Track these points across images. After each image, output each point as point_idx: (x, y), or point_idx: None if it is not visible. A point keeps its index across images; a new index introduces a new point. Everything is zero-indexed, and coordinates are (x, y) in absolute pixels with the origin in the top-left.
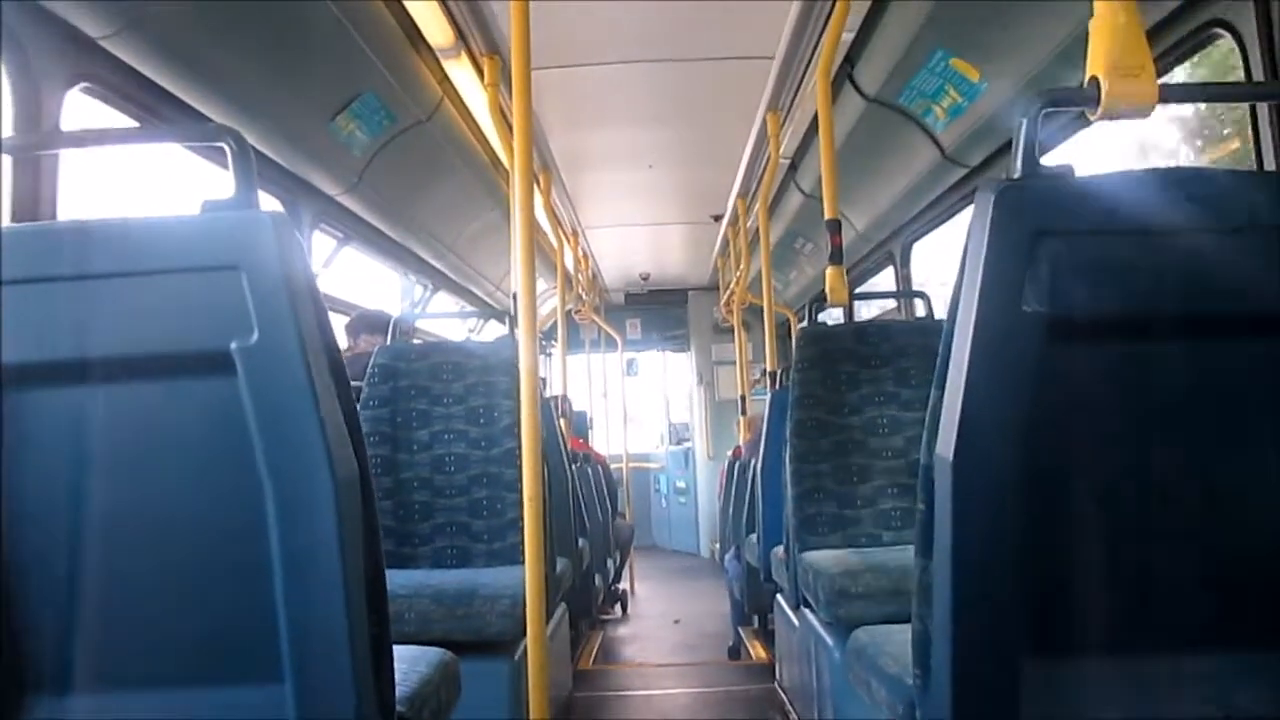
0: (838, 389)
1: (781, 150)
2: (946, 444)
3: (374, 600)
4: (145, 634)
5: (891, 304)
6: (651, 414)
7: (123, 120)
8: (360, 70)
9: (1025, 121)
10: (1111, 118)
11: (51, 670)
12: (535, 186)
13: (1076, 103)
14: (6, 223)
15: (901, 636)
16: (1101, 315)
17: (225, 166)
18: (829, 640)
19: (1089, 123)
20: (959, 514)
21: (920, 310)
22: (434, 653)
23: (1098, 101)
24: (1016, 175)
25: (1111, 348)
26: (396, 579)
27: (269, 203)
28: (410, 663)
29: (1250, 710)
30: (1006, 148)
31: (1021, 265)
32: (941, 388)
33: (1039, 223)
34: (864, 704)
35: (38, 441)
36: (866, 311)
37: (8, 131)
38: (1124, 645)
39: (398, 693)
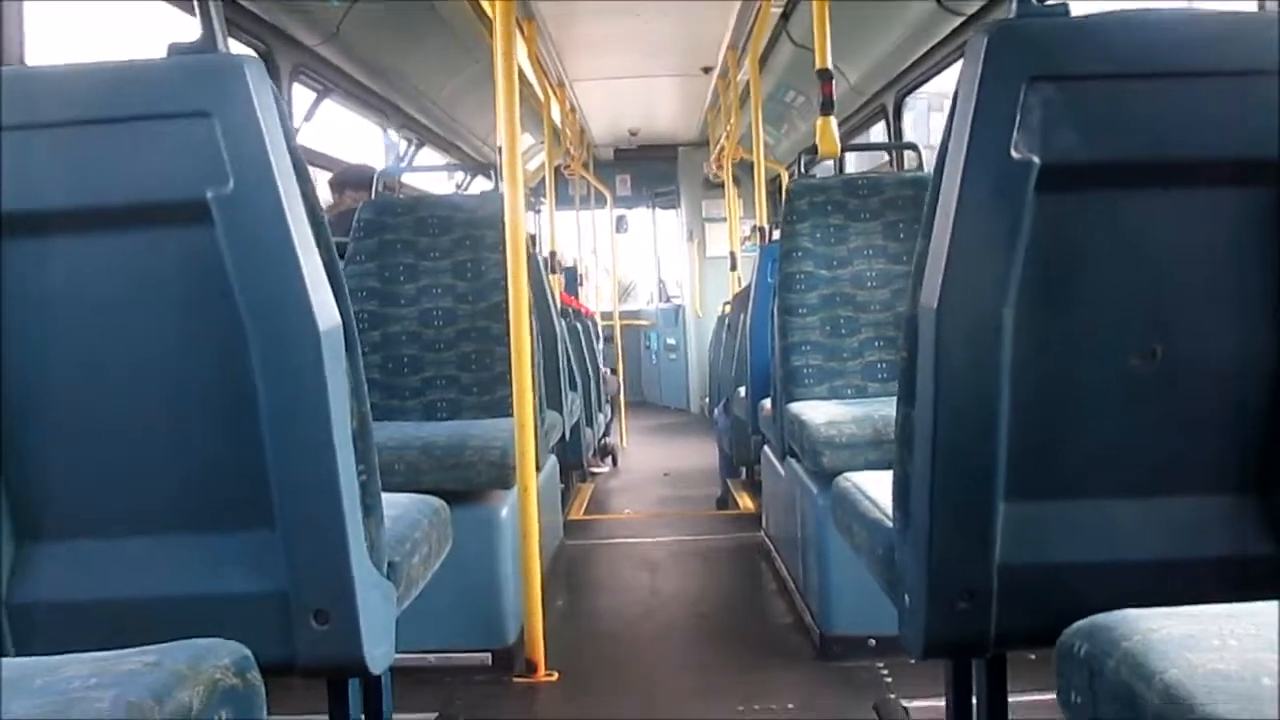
0: (827, 242)
1: None
2: (931, 293)
3: (361, 448)
4: (135, 481)
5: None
6: (642, 271)
7: None
8: None
9: None
10: None
11: (42, 517)
12: (519, 35)
13: None
14: None
15: (883, 482)
16: (1094, 163)
17: (191, 12)
18: (813, 488)
19: None
20: (941, 363)
21: (912, 163)
22: (425, 499)
23: None
24: (1012, 14)
25: (1103, 196)
26: (386, 431)
27: (244, 53)
28: (401, 509)
29: (1214, 550)
30: None
31: (1012, 110)
32: (928, 237)
33: (1032, 66)
34: (845, 547)
35: (15, 292)
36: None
37: None
38: (1096, 489)
39: (388, 538)
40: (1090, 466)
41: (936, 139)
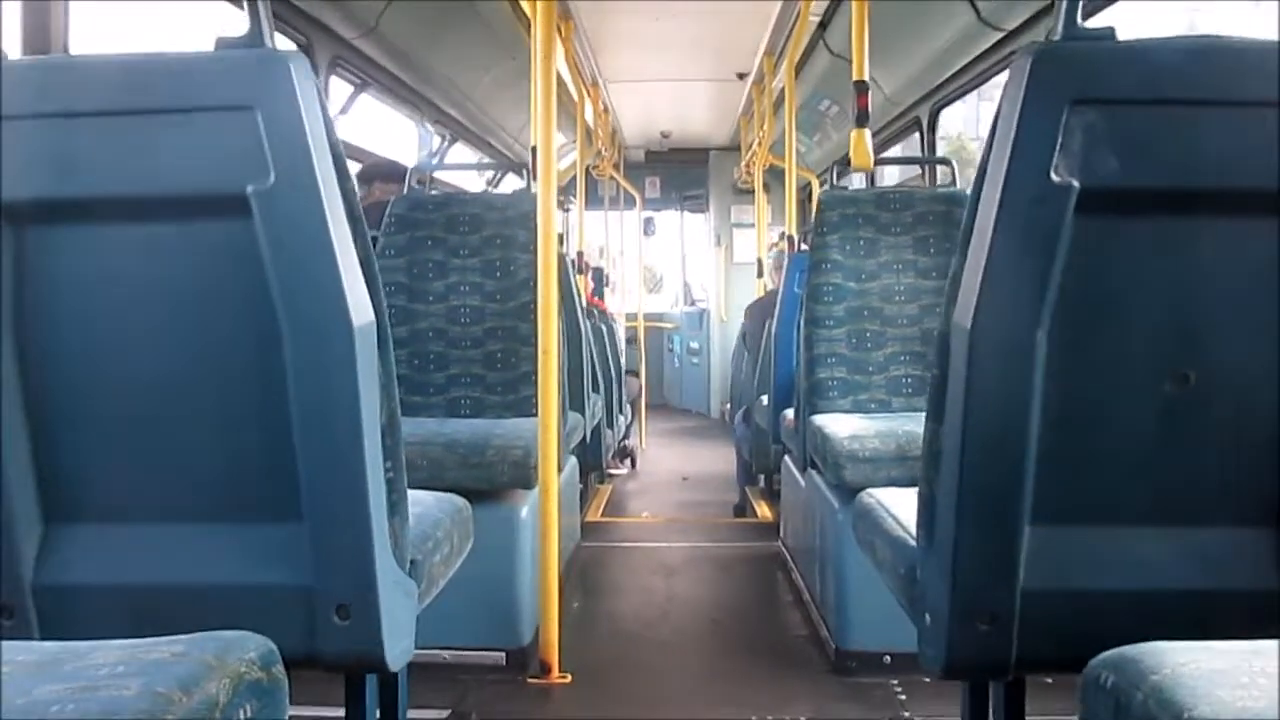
0: (856, 255)
1: (811, 7)
2: (965, 311)
3: (389, 445)
4: (164, 468)
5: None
6: (668, 273)
7: None
8: None
9: None
10: None
11: (71, 500)
12: (556, 35)
13: None
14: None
15: (907, 499)
16: (1134, 188)
17: (239, 6)
18: (834, 502)
19: None
20: (972, 382)
21: (944, 178)
22: (448, 498)
23: None
24: (1057, 37)
25: (1142, 223)
26: (409, 427)
27: (283, 44)
28: (425, 507)
29: (1239, 584)
30: (1044, 12)
31: (1054, 133)
32: (964, 255)
33: (1076, 89)
34: (864, 563)
35: (53, 278)
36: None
37: None
38: (1123, 517)
39: (412, 535)
40: (1118, 493)
41: (987, 129)
